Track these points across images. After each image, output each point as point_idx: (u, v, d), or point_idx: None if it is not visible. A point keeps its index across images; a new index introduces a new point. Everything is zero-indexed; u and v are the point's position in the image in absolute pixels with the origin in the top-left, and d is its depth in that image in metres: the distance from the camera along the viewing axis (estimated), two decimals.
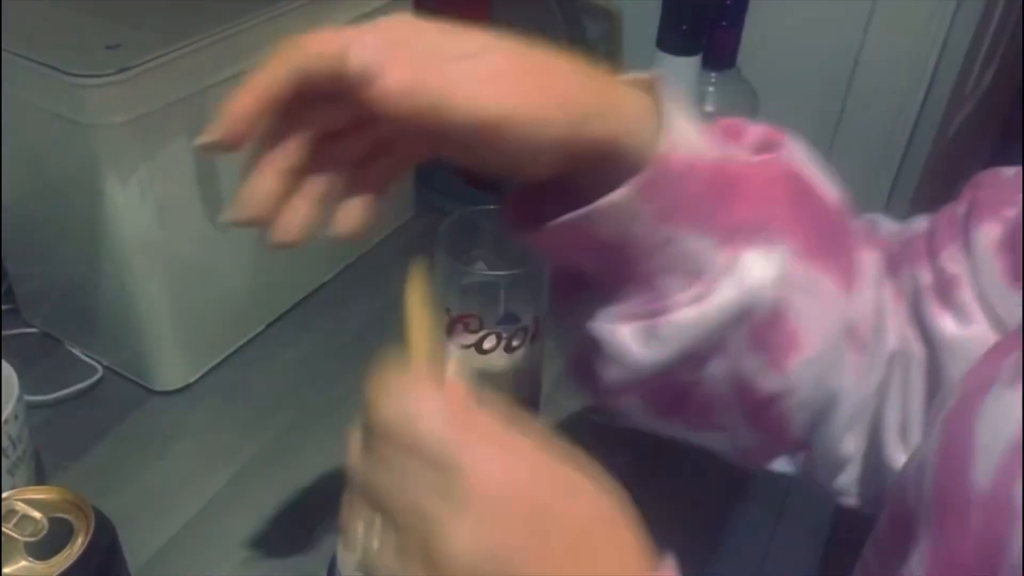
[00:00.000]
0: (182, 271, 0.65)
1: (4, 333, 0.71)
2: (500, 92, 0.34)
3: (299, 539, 0.59)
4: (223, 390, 0.69)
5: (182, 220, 0.63)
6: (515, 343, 0.55)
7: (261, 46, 0.62)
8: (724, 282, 0.39)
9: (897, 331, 0.43)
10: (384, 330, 0.76)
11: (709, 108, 0.69)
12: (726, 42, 0.68)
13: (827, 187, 0.42)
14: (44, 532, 0.44)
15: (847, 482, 0.45)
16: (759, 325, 0.39)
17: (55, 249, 0.67)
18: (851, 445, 0.44)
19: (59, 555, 0.43)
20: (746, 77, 0.71)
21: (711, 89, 0.69)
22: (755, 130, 0.42)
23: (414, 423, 0.30)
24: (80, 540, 0.44)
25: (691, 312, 0.39)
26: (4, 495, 0.45)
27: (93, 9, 0.62)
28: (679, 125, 0.37)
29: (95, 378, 0.68)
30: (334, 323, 0.76)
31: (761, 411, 0.42)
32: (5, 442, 0.53)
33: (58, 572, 0.42)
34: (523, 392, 0.58)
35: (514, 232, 0.40)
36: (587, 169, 0.37)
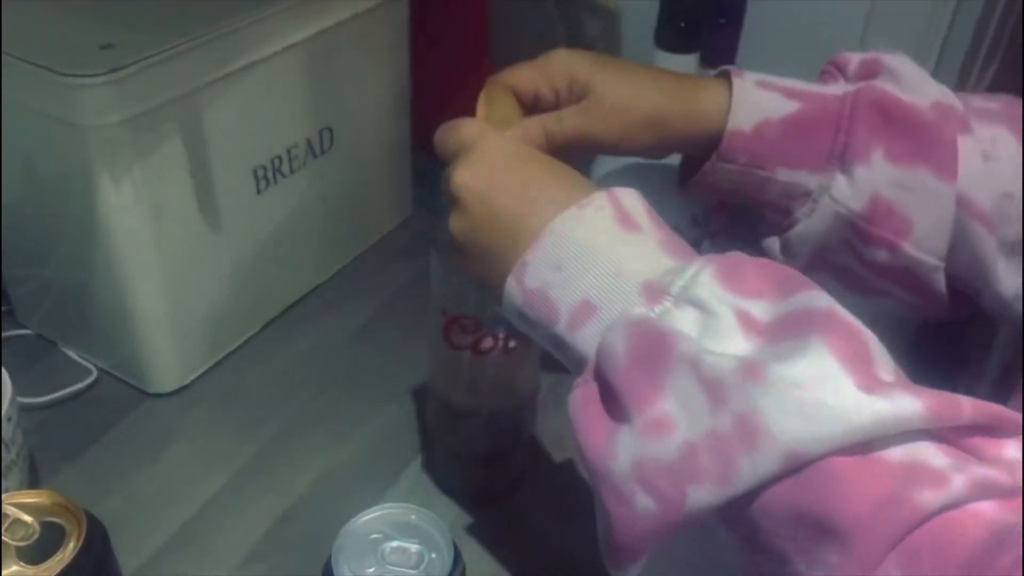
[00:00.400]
0: (177, 272, 0.64)
1: None
2: (617, 130, 0.52)
3: (295, 542, 0.58)
4: (219, 392, 0.69)
5: (177, 221, 0.63)
6: (512, 343, 0.55)
7: (254, 45, 0.63)
8: (823, 200, 0.51)
9: None
10: (382, 330, 0.76)
11: None
12: (725, 40, 0.68)
13: (921, 93, 0.50)
14: (36, 536, 0.43)
15: None
16: (861, 224, 0.50)
17: (49, 250, 0.66)
18: (1012, 287, 0.51)
19: (51, 559, 0.43)
20: None
21: None
22: (856, 61, 0.52)
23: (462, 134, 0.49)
24: (72, 544, 0.43)
25: (803, 226, 0.52)
26: None
27: (86, 9, 0.61)
28: (747, 98, 0.50)
29: (90, 380, 0.68)
30: (331, 324, 0.76)
31: (902, 280, 0.52)
32: None
33: None
34: (520, 392, 0.58)
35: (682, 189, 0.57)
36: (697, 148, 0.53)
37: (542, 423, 0.63)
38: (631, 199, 0.42)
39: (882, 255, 0.51)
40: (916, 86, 0.50)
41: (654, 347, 0.36)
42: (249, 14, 0.61)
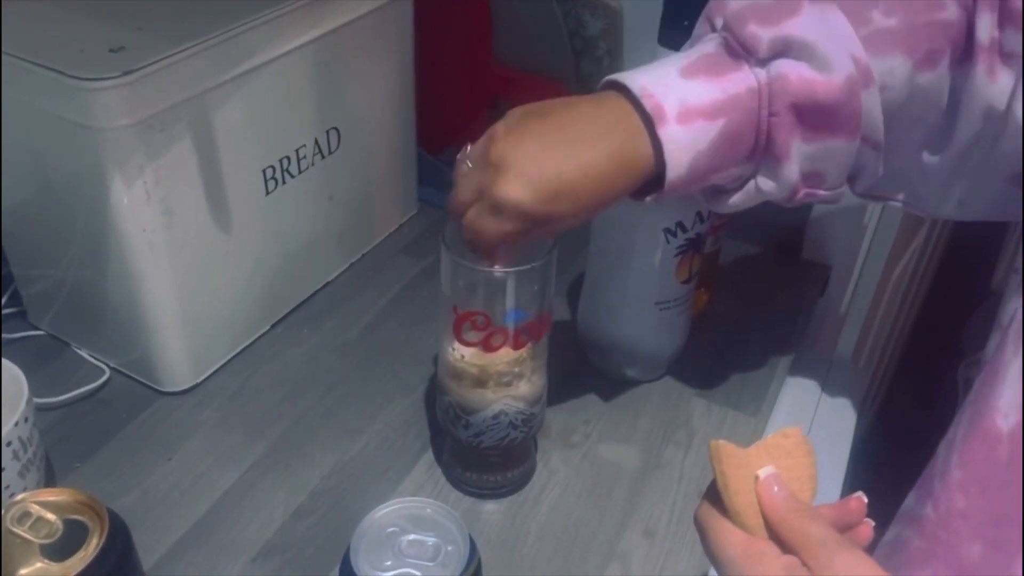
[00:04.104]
0: (188, 272, 0.65)
1: (11, 336, 0.72)
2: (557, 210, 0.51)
3: (309, 536, 0.59)
4: (230, 390, 0.70)
5: (188, 221, 0.63)
6: (522, 339, 0.55)
7: (263, 46, 0.64)
8: (750, 186, 0.53)
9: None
10: (389, 327, 0.76)
11: None
12: None
13: (833, 68, 0.50)
14: (59, 534, 0.44)
15: (887, 192, 0.58)
16: (786, 198, 0.54)
17: (61, 251, 0.67)
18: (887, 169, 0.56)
19: (74, 556, 0.44)
20: None
21: None
22: (765, 43, 0.50)
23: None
24: (95, 541, 0.44)
25: (735, 200, 0.54)
26: (19, 498, 0.45)
27: (96, 12, 0.62)
28: (677, 145, 0.49)
29: (102, 380, 0.69)
30: (339, 321, 0.77)
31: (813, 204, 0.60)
32: (16, 445, 0.53)
33: (74, 574, 0.43)
34: (529, 388, 0.58)
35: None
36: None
37: (551, 417, 0.64)
38: None
39: (800, 200, 0.55)
40: (828, 59, 0.50)
41: None
42: (256, 16, 0.62)
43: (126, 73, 0.55)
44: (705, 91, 0.50)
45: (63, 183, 0.62)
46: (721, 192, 0.55)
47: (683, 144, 0.50)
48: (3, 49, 0.57)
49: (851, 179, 0.57)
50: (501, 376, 0.57)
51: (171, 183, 0.61)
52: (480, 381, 0.57)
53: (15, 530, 0.44)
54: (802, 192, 0.53)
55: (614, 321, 0.69)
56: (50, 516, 0.45)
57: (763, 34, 0.50)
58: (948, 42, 0.52)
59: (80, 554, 0.44)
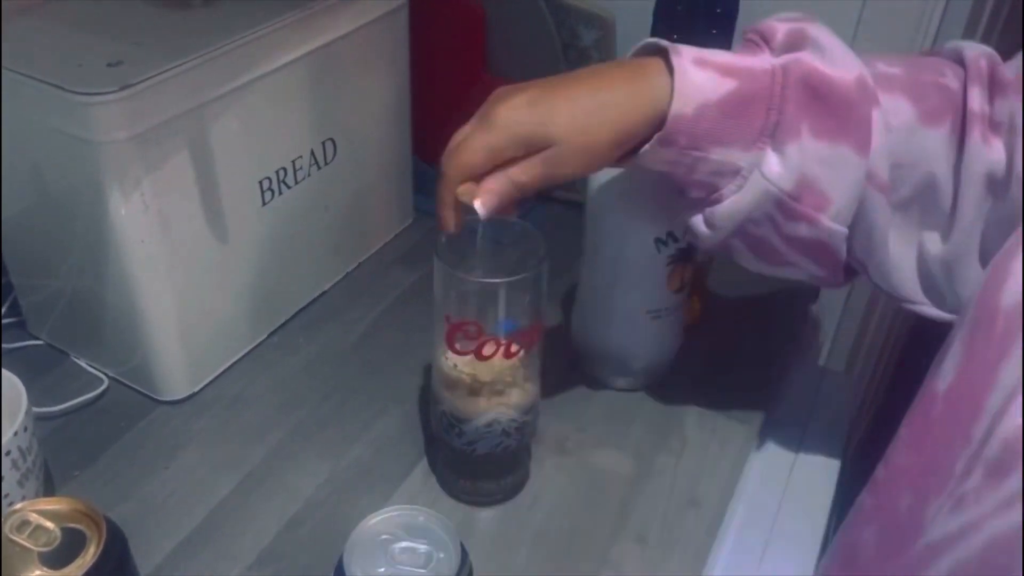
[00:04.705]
0: (186, 282, 0.66)
1: (10, 346, 0.73)
2: (584, 164, 0.52)
3: (304, 544, 0.60)
4: (227, 399, 0.70)
5: (185, 232, 0.64)
6: (514, 348, 0.56)
7: (260, 59, 0.64)
8: (754, 176, 0.52)
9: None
10: (385, 335, 0.77)
11: None
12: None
13: (845, 67, 0.51)
14: (57, 542, 0.45)
15: (909, 290, 0.57)
16: (788, 201, 0.52)
17: (60, 262, 0.68)
18: (898, 251, 0.55)
19: (72, 564, 0.44)
20: None
21: None
22: (782, 32, 0.53)
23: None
24: (92, 549, 0.45)
25: (731, 203, 0.53)
26: (18, 506, 0.46)
27: (95, 27, 0.63)
28: (688, 80, 0.50)
29: (101, 389, 0.70)
30: (336, 330, 0.77)
31: (815, 251, 0.55)
32: (15, 454, 0.54)
33: None
34: (522, 396, 0.59)
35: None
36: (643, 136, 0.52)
37: (544, 425, 0.65)
38: None
39: (802, 229, 0.53)
40: (840, 59, 0.51)
41: None
42: (253, 29, 0.63)
43: (124, 87, 0.56)
44: (721, 56, 0.52)
45: (62, 195, 0.63)
46: (712, 191, 0.54)
47: (694, 82, 0.50)
48: (3, 64, 0.58)
49: (863, 263, 0.57)
50: (494, 385, 0.58)
51: (168, 194, 0.62)
52: (473, 390, 0.58)
53: (14, 538, 0.44)
54: (805, 206, 0.52)
55: (606, 330, 0.69)
56: (49, 524, 0.45)
57: (781, 26, 0.53)
58: (950, 106, 0.53)
59: (78, 562, 0.44)
